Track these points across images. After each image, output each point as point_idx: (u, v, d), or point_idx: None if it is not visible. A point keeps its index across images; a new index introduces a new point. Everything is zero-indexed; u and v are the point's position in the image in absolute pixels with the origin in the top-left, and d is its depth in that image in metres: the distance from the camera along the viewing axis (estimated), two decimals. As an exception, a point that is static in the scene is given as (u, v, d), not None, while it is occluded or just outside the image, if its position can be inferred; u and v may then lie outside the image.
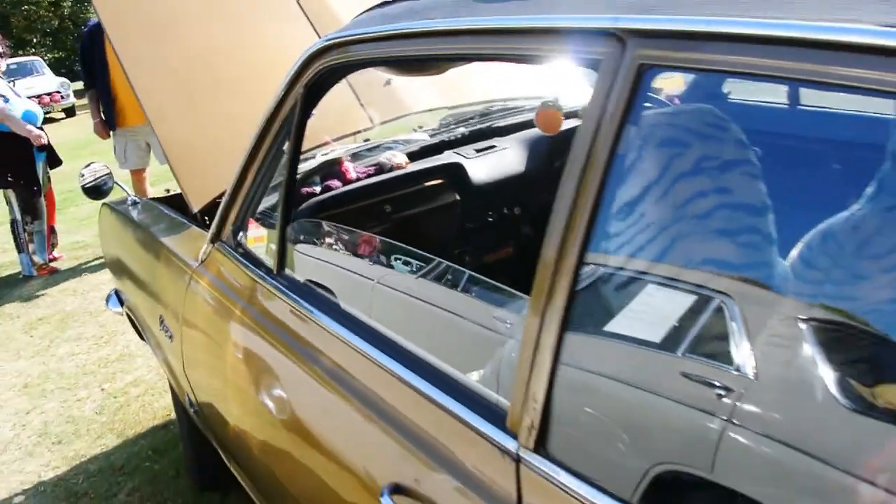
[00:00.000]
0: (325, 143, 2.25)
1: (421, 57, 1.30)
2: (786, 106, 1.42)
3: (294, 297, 1.50)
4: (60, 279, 5.77)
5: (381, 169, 2.21)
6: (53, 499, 2.97)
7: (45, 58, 23.19)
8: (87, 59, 5.53)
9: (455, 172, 2.19)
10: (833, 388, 0.70)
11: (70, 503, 2.92)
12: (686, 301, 0.84)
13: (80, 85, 22.97)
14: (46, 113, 16.24)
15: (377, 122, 2.46)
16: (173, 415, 3.29)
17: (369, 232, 1.78)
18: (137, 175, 5.70)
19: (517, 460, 0.96)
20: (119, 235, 2.70)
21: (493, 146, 2.38)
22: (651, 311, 0.89)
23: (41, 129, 5.64)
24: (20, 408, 3.80)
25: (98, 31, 5.19)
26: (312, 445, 1.37)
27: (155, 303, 2.26)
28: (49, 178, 5.94)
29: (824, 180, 0.85)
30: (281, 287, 1.54)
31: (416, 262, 1.50)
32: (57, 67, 23.38)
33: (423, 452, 1.10)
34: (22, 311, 5.21)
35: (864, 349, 0.71)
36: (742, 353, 0.78)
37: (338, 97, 2.41)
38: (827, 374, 0.71)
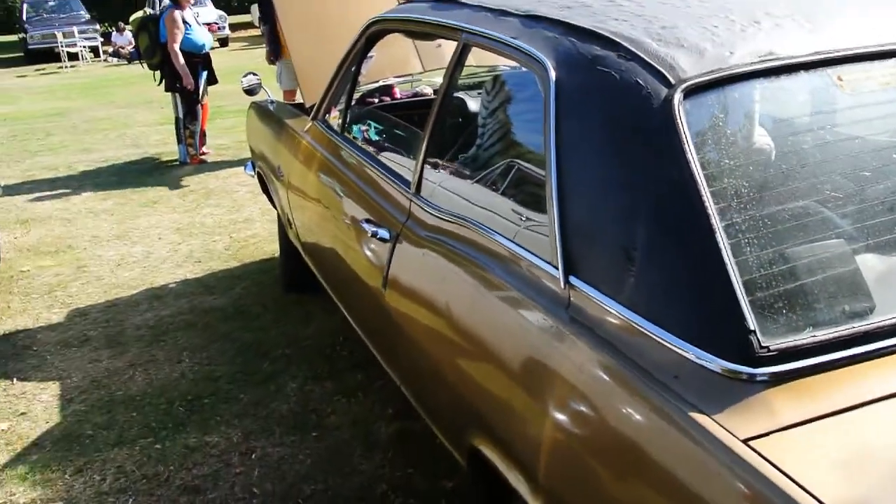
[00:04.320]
0: (387, 77, 3.71)
1: (417, 31, 2.74)
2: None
3: (348, 144, 2.95)
4: (207, 168, 7.49)
5: (415, 95, 3.66)
6: (194, 287, 4.58)
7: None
8: (263, 3, 7.14)
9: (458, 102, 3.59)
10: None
11: (204, 290, 4.52)
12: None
13: (234, 19, 24.59)
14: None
15: (427, 69, 3.88)
16: (277, 253, 4.85)
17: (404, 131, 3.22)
18: (289, 95, 7.12)
19: (410, 200, 2.37)
20: (259, 120, 4.23)
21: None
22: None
23: (207, 55, 7.34)
24: (174, 240, 5.46)
25: None
26: (340, 221, 2.83)
27: (276, 157, 3.76)
28: (207, 92, 7.63)
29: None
30: (342, 139, 3.00)
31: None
32: (217, 1, 25.64)
33: (381, 203, 2.53)
34: (178, 185, 6.93)
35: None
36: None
37: (404, 51, 3.87)
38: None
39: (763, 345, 1.27)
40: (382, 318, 2.44)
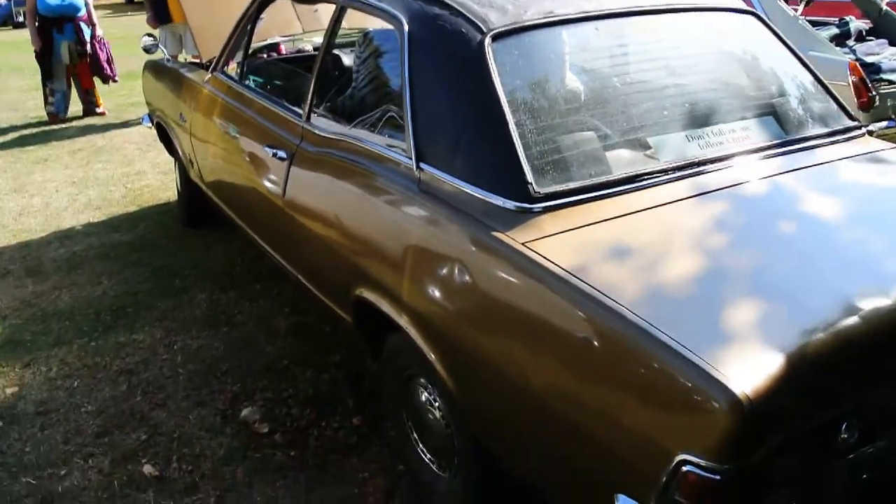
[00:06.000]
0: (273, 36, 4.38)
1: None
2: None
3: (246, 89, 3.61)
4: (93, 129, 7.85)
5: (298, 51, 4.35)
6: (100, 228, 5.11)
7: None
8: None
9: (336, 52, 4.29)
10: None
11: (110, 229, 5.06)
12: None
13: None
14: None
15: (307, 30, 4.57)
16: (173, 199, 5.42)
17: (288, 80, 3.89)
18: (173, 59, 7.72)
19: (302, 126, 3.07)
20: (158, 76, 4.80)
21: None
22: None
23: (59, 18, 7.87)
24: (71, 192, 5.92)
25: None
26: (242, 151, 3.50)
27: (178, 106, 4.36)
28: (80, 54, 8.03)
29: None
30: (240, 85, 3.66)
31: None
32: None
33: (278, 132, 3.22)
34: (66, 145, 7.30)
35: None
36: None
37: (287, 15, 4.53)
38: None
39: (536, 190, 2.07)
40: (282, 223, 3.13)
